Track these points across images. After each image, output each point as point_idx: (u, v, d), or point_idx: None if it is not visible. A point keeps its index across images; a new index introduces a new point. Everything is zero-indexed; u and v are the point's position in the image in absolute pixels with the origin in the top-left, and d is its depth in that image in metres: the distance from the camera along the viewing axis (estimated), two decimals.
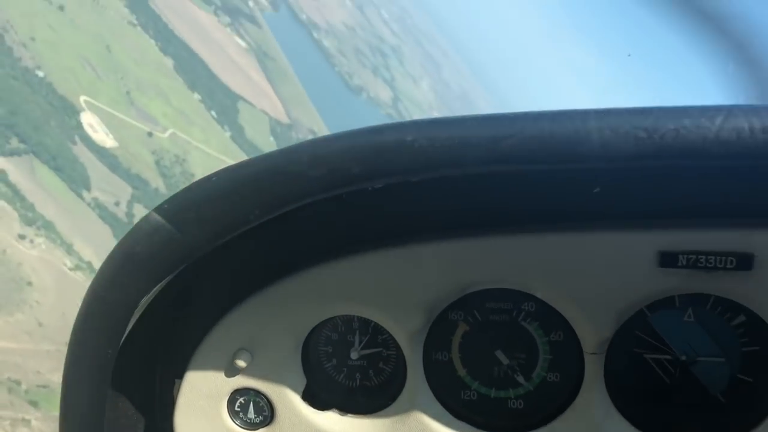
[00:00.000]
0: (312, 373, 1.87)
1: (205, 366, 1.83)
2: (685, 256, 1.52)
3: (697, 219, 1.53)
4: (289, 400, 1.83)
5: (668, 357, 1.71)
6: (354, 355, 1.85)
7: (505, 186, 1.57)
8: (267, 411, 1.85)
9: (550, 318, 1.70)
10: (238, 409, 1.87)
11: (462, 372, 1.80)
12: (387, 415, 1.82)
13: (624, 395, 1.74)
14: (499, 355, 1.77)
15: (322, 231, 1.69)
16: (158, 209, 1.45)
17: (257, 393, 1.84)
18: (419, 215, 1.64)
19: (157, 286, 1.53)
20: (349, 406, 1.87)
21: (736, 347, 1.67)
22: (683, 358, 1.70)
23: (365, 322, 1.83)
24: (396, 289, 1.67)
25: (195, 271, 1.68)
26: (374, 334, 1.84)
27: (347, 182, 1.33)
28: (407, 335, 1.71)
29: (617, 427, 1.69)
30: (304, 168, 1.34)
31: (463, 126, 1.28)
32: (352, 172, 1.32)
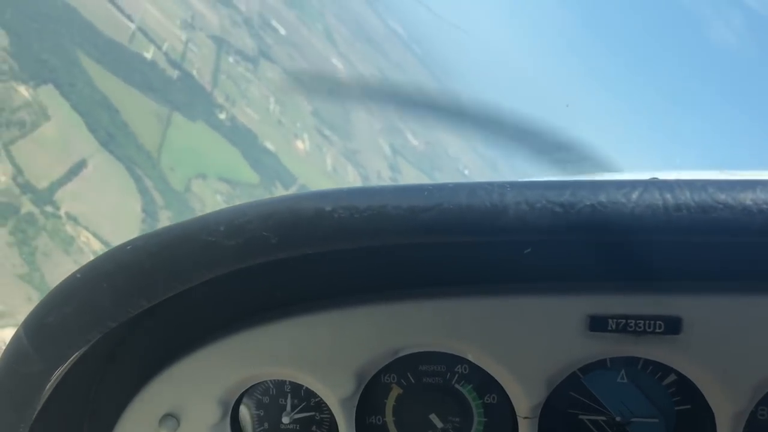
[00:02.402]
0: None
1: None
2: (615, 320, 1.50)
3: (627, 283, 1.52)
4: None
5: (603, 418, 1.69)
6: (286, 420, 1.80)
7: (435, 249, 1.55)
8: None
9: (484, 381, 1.67)
10: None
11: None
12: None
13: None
14: (434, 418, 1.73)
15: (248, 294, 1.65)
16: (71, 277, 1.40)
17: None
18: (347, 279, 1.61)
19: (73, 356, 1.47)
20: None
21: (669, 406, 1.66)
22: (618, 418, 1.68)
23: (297, 386, 1.78)
24: (325, 354, 1.62)
25: (116, 338, 1.62)
26: (306, 397, 1.79)
27: (264, 252, 1.29)
28: (338, 400, 1.66)
29: None
30: (219, 237, 1.30)
31: (383, 196, 1.25)
32: (270, 242, 1.28)
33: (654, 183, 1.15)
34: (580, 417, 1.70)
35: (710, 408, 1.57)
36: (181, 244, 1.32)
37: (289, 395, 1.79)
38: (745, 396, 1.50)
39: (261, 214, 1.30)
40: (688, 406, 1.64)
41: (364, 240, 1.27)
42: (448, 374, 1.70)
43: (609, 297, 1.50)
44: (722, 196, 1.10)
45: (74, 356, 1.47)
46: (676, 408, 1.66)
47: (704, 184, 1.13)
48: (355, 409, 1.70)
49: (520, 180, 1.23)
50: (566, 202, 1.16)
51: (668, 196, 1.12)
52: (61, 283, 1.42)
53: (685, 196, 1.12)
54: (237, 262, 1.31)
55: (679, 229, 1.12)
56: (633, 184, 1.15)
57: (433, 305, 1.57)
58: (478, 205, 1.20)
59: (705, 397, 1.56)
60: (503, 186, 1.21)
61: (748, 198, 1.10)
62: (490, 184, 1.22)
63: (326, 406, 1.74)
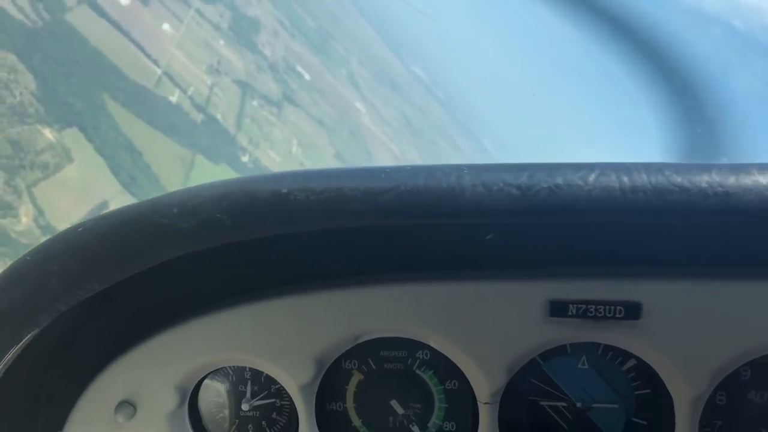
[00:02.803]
0: (200, 426, 1.78)
1: (86, 421, 1.72)
2: (575, 305, 1.50)
3: (587, 269, 1.52)
4: None
5: (564, 404, 1.69)
6: (245, 407, 1.77)
7: (396, 234, 1.53)
8: None
9: (445, 367, 1.66)
10: None
11: (357, 422, 1.74)
12: None
13: None
14: (395, 404, 1.72)
15: (207, 280, 1.62)
16: (21, 260, 1.36)
17: None
18: (307, 264, 1.59)
19: (23, 340, 1.43)
20: None
21: (629, 391, 1.66)
22: (579, 404, 1.68)
23: (257, 373, 1.76)
24: (285, 339, 1.60)
25: (70, 322, 1.58)
26: (266, 384, 1.77)
27: (219, 235, 1.27)
28: (298, 387, 1.64)
29: None
30: (172, 219, 1.26)
31: (340, 178, 1.23)
32: (225, 224, 1.25)
33: (611, 165, 1.14)
34: (541, 403, 1.70)
35: (669, 393, 1.57)
36: (133, 226, 1.29)
37: (249, 382, 1.77)
38: (704, 381, 1.51)
39: (215, 195, 1.27)
40: (648, 391, 1.65)
41: (320, 222, 1.25)
42: (410, 360, 1.69)
43: (569, 282, 1.50)
44: (678, 179, 1.10)
45: (25, 340, 1.43)
46: (635, 393, 1.66)
47: (661, 167, 1.12)
48: (315, 395, 1.68)
49: (479, 163, 1.21)
50: (523, 185, 1.15)
51: (625, 178, 1.12)
52: (10, 266, 1.38)
53: (642, 179, 1.11)
54: (190, 245, 1.29)
55: (636, 212, 1.12)
56: (590, 167, 1.15)
57: (394, 291, 1.55)
58: (436, 187, 1.18)
59: (664, 382, 1.56)
60: (461, 168, 1.20)
61: (703, 181, 1.09)
62: (448, 167, 1.21)
63: (286, 392, 1.72)
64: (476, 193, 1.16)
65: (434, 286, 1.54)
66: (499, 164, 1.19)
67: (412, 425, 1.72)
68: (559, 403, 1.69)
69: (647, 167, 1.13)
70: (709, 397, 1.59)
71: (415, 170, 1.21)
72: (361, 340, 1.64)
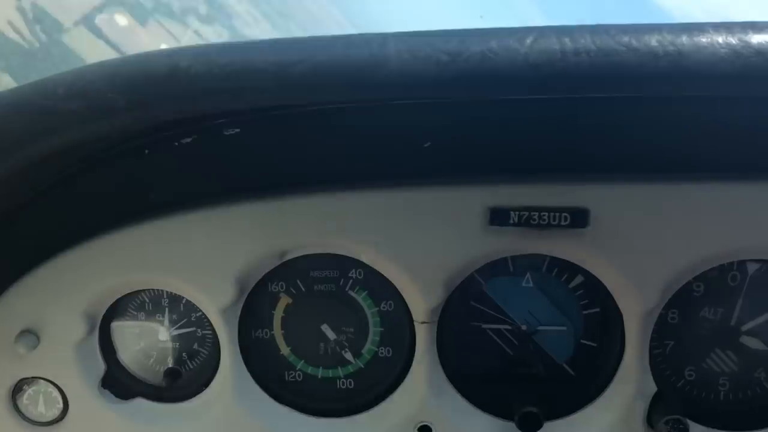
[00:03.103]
0: (113, 358, 1.63)
1: None
2: (517, 213, 1.38)
3: (530, 174, 1.40)
4: (84, 390, 1.57)
5: (508, 327, 1.58)
6: (164, 337, 1.62)
7: (324, 138, 1.39)
8: (60, 403, 1.59)
9: (379, 286, 1.53)
10: (27, 402, 1.60)
11: (285, 350, 1.61)
12: (200, 402, 1.60)
13: (460, 370, 1.59)
14: (326, 329, 1.58)
15: (115, 192, 1.46)
16: None
17: (47, 383, 1.58)
18: (226, 173, 1.44)
19: None
20: (158, 394, 1.64)
21: (576, 312, 1.56)
22: (524, 327, 1.57)
23: (176, 299, 1.61)
24: (201, 257, 1.45)
25: None
26: (186, 311, 1.62)
27: (111, 116, 1.11)
28: (218, 310, 1.49)
29: (452, 404, 1.54)
30: (58, 101, 1.10)
31: (247, 50, 1.08)
32: (117, 105, 1.10)
33: (551, 28, 1.01)
34: (484, 327, 1.58)
35: (619, 311, 1.47)
36: (13, 111, 1.13)
37: (167, 310, 1.62)
38: (655, 294, 1.40)
39: (106, 73, 1.11)
40: (597, 310, 1.54)
41: (225, 101, 1.10)
42: (342, 280, 1.55)
43: (511, 187, 1.38)
44: (625, 38, 0.98)
45: None
46: (583, 313, 1.55)
47: (607, 28, 1.00)
48: (237, 320, 1.53)
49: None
50: (453, 50, 1.01)
51: (566, 39, 0.99)
52: None
53: (585, 40, 0.99)
54: (79, 130, 1.12)
55: (578, 78, 0.99)
56: (528, 30, 1.01)
57: (322, 201, 1.41)
58: (356, 56, 1.04)
59: (613, 297, 1.46)
60: (384, 36, 1.06)
61: (653, 39, 0.97)
62: (371, 35, 1.07)
63: (208, 321, 1.57)
64: (401, 61, 1.02)
65: (365, 195, 1.40)
66: (425, 31, 1.05)
67: (345, 351, 1.59)
68: (502, 327, 1.58)
69: (592, 29, 1.00)
70: (660, 316, 1.50)
71: (334, 39, 1.07)
72: (287, 258, 1.50)
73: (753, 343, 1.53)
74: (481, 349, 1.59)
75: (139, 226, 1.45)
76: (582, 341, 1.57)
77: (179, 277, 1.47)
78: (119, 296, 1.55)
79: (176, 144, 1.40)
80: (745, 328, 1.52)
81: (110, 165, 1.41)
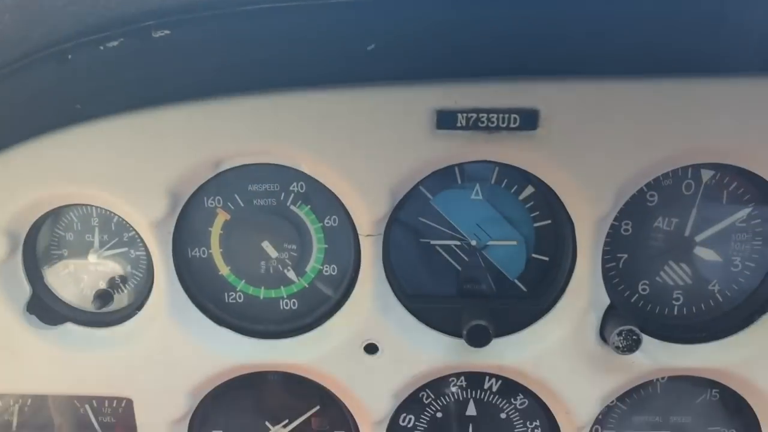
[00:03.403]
0: (40, 281, 1.53)
1: None
2: (465, 115, 1.30)
3: (478, 74, 1.32)
4: (8, 314, 1.48)
5: (457, 242, 1.51)
6: (94, 258, 1.53)
7: (260, 38, 1.29)
8: None
9: (323, 200, 1.45)
10: None
11: (225, 270, 1.52)
12: (133, 325, 1.51)
13: (408, 287, 1.53)
14: (267, 247, 1.50)
15: (36, 101, 1.34)
16: None
17: None
18: (155, 77, 1.33)
19: None
20: (89, 319, 1.55)
21: (527, 224, 1.50)
22: (474, 242, 1.51)
23: (106, 218, 1.51)
24: (129, 167, 1.35)
25: None
26: (118, 230, 1.52)
27: None
28: (150, 225, 1.40)
29: (399, 321, 1.47)
30: None
31: None
32: None
33: None
34: (432, 244, 1.52)
35: (571, 220, 1.41)
36: None
37: (97, 230, 1.52)
38: (607, 200, 1.35)
39: None
40: (548, 222, 1.49)
41: None
42: (282, 195, 1.47)
43: (458, 88, 1.30)
44: None
45: None
46: (534, 226, 1.49)
47: None
48: (171, 236, 1.44)
49: None
50: None
51: None
52: None
53: None
54: None
55: None
56: None
57: (257, 103, 1.32)
58: None
59: (564, 205, 1.40)
60: None
61: None
62: None
63: (142, 242, 1.48)
64: None
65: (303, 97, 1.31)
66: None
67: (288, 270, 1.51)
68: (451, 242, 1.52)
69: None
70: (613, 228, 1.45)
71: None
72: (222, 169, 1.40)
73: (707, 254, 1.49)
74: (430, 266, 1.53)
75: (59, 134, 1.34)
76: (533, 255, 1.52)
77: (106, 189, 1.37)
78: (43, 212, 1.44)
79: (101, 48, 1.30)
80: (699, 238, 1.48)
81: (29, 71, 1.30)
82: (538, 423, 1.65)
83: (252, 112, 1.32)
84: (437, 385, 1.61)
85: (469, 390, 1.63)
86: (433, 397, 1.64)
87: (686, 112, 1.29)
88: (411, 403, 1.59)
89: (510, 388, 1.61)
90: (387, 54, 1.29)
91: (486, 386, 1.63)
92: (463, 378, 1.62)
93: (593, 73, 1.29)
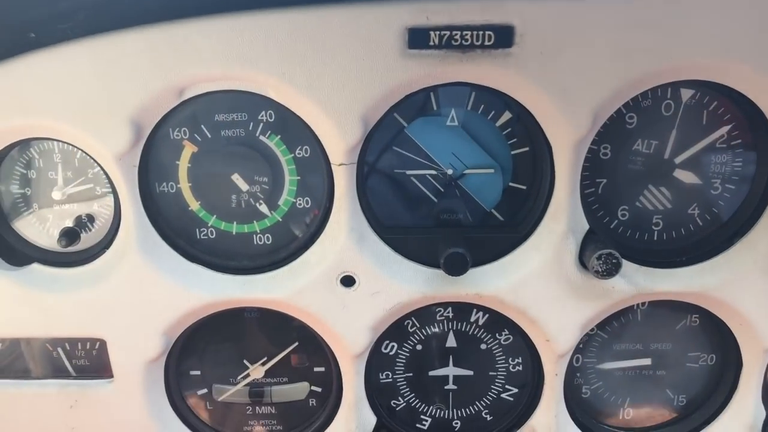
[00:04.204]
0: (3, 222, 1.48)
1: None
2: (437, 32, 1.25)
3: None
4: None
5: (432, 172, 1.48)
6: (57, 195, 1.47)
7: None
8: None
9: (293, 129, 1.41)
10: None
11: (194, 205, 1.48)
12: (101, 263, 1.47)
13: (384, 218, 1.50)
14: (237, 180, 1.46)
15: None
16: None
17: None
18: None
19: None
20: (56, 259, 1.50)
21: (505, 152, 1.46)
22: (450, 171, 1.47)
23: (69, 153, 1.45)
24: (90, 95, 1.30)
25: None
26: (82, 167, 1.47)
27: None
28: (114, 157, 1.35)
29: (375, 252, 1.44)
30: None
31: None
32: None
33: None
34: (407, 173, 1.48)
35: (549, 145, 1.38)
36: None
37: (60, 166, 1.46)
38: (585, 120, 1.31)
39: None
40: (526, 149, 1.45)
41: None
42: (251, 124, 1.42)
43: (430, 4, 1.24)
44: None
45: None
46: (512, 153, 1.46)
47: None
48: (136, 169, 1.39)
49: None
50: None
51: None
52: None
53: None
54: None
55: None
56: None
57: (220, 24, 1.26)
58: None
59: (541, 125, 1.36)
60: None
61: None
62: None
63: (108, 178, 1.43)
64: None
65: (268, 16, 1.25)
66: None
67: (260, 204, 1.47)
68: (426, 172, 1.48)
69: None
70: (592, 152, 1.42)
71: None
72: (187, 97, 1.35)
73: (687, 177, 1.47)
74: (405, 196, 1.50)
75: (13, 63, 1.28)
76: (511, 184, 1.48)
77: (65, 120, 1.31)
78: (1, 147, 1.38)
79: None
80: (678, 160, 1.45)
81: None
82: (520, 360, 1.64)
83: (215, 33, 1.26)
84: (423, 314, 1.59)
85: (454, 322, 1.61)
86: (418, 326, 1.61)
87: (666, 26, 1.25)
88: (395, 330, 1.57)
89: (496, 322, 1.59)
90: None
91: (472, 319, 1.61)
92: (450, 309, 1.60)
93: None
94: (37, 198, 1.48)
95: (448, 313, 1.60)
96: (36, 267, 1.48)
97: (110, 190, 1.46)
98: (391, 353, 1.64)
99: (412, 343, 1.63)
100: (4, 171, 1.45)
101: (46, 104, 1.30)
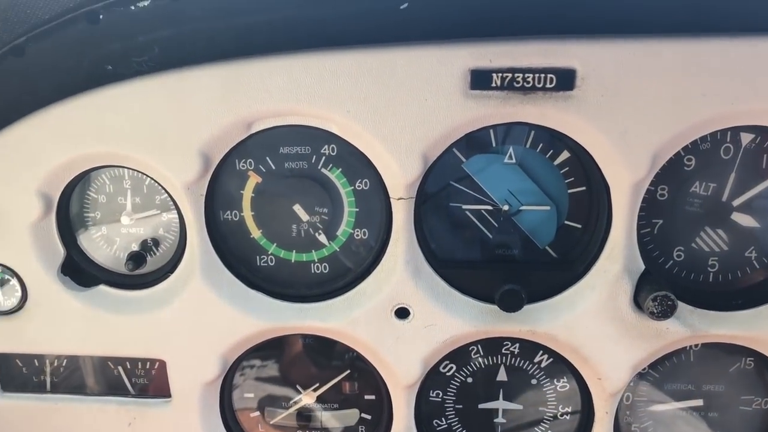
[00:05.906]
0: (74, 244, 1.54)
1: None
2: (500, 74, 1.28)
3: (514, 33, 1.29)
4: (43, 277, 1.49)
5: (489, 207, 1.50)
6: (126, 220, 1.53)
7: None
8: (19, 291, 1.51)
9: (354, 163, 1.44)
10: None
11: (256, 233, 1.52)
12: (165, 288, 1.52)
13: (439, 252, 1.52)
14: (298, 210, 1.50)
15: (68, 61, 1.34)
16: None
17: (5, 269, 1.49)
18: (186, 36, 1.32)
19: None
20: (122, 281, 1.56)
21: (561, 190, 1.48)
22: (506, 207, 1.50)
23: (138, 180, 1.51)
24: (161, 126, 1.35)
25: None
26: (151, 193, 1.53)
27: None
28: (182, 186, 1.40)
29: (430, 285, 1.46)
30: None
31: None
32: None
33: None
34: (464, 209, 1.50)
35: (606, 186, 1.39)
36: None
37: (129, 192, 1.52)
38: (644, 163, 1.32)
39: None
40: (582, 189, 1.47)
41: None
42: (314, 157, 1.46)
43: (493, 47, 1.27)
44: None
45: None
46: (569, 192, 1.47)
47: None
48: (203, 198, 1.44)
49: None
50: None
51: None
52: None
53: None
54: None
55: None
56: None
57: (289, 63, 1.31)
58: None
59: (600, 169, 1.37)
60: None
61: None
62: None
63: (175, 204, 1.48)
64: None
65: (336, 56, 1.30)
66: None
67: (319, 234, 1.51)
68: (482, 207, 1.50)
69: None
70: (650, 193, 1.43)
71: None
72: (254, 130, 1.40)
73: (744, 220, 1.47)
74: (461, 231, 1.52)
75: (92, 94, 1.34)
76: (566, 222, 1.50)
77: (138, 150, 1.37)
78: (76, 173, 1.45)
79: (132, 8, 1.30)
80: (736, 203, 1.45)
81: (62, 32, 1.31)
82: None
83: (284, 72, 1.31)
84: (489, 345, 1.61)
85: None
86: (481, 354, 1.63)
87: (727, 72, 1.26)
88: (456, 352, 1.58)
89: (557, 367, 1.61)
90: (420, 12, 1.28)
91: (536, 360, 1.62)
92: (518, 345, 1.62)
93: (632, 31, 1.27)
94: (105, 222, 1.54)
95: (515, 348, 1.61)
96: (103, 288, 1.54)
97: (176, 216, 1.52)
98: (447, 373, 1.65)
99: (469, 371, 1.64)
100: (77, 195, 1.51)
101: (122, 134, 1.36)
